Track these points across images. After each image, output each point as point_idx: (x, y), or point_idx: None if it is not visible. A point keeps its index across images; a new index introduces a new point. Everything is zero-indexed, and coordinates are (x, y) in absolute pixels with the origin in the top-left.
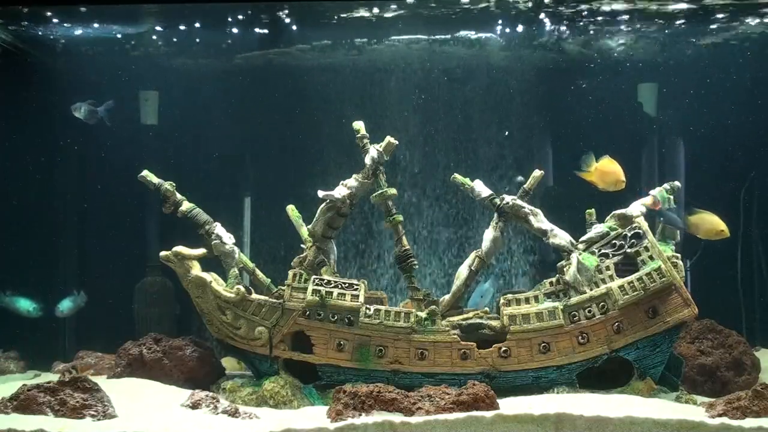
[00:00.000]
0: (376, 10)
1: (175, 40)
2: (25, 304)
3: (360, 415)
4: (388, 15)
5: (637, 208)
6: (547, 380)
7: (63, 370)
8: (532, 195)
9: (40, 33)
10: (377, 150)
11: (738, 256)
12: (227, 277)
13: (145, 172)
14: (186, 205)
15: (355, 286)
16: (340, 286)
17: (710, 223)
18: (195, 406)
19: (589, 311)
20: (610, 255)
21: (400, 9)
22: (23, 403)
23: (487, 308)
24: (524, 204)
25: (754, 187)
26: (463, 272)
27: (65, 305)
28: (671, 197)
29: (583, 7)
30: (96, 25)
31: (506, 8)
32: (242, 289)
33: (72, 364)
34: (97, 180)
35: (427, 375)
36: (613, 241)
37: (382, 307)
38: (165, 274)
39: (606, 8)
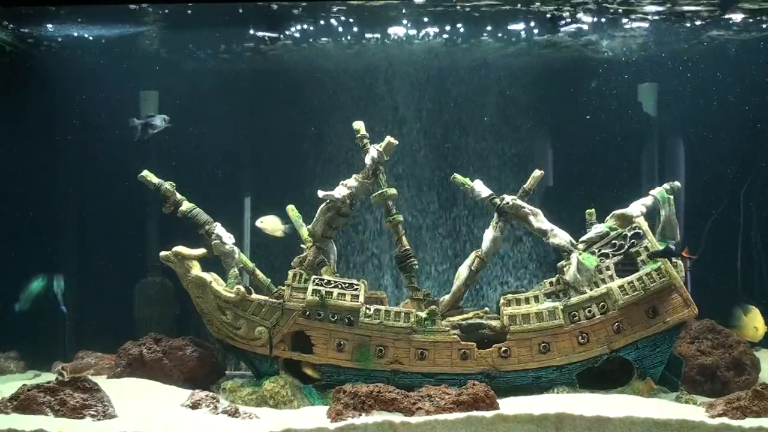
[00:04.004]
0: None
1: (175, 40)
2: (37, 285)
3: (360, 415)
4: (388, 11)
5: (637, 208)
6: (547, 380)
7: (59, 370)
8: (532, 195)
9: (40, 33)
10: (377, 150)
11: (738, 256)
12: (227, 277)
13: (145, 172)
14: (186, 205)
15: (355, 286)
16: (340, 286)
17: (755, 321)
18: (195, 406)
19: (589, 311)
20: (610, 255)
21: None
22: (23, 403)
23: (487, 308)
24: (524, 204)
25: (754, 188)
26: (463, 272)
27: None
28: (671, 197)
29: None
30: (96, 26)
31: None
32: (242, 289)
33: (69, 365)
34: (97, 180)
35: (427, 375)
36: (613, 241)
37: (382, 307)
38: (165, 274)
39: (613, 8)
